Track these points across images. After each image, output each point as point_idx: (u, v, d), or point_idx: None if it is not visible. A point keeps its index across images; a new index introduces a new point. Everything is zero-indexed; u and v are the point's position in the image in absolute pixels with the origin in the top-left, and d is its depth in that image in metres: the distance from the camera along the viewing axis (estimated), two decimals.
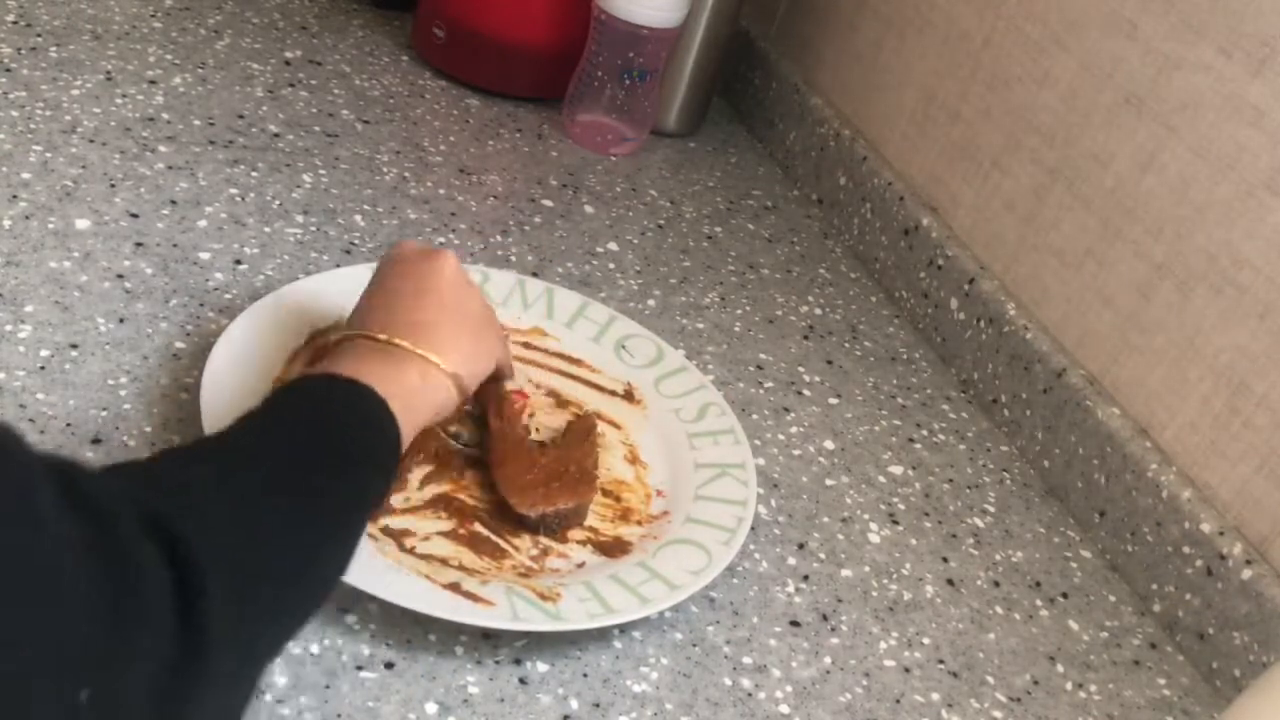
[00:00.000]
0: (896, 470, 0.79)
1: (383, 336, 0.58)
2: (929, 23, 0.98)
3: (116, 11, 0.99)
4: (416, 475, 0.65)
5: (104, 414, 0.62)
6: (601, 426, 0.72)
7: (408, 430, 0.55)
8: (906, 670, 0.65)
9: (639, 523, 0.67)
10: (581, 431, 0.70)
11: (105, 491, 0.37)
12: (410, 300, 0.61)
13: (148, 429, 0.62)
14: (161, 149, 0.84)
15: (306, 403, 0.53)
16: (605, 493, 0.68)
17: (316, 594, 0.48)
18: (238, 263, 0.76)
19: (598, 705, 0.57)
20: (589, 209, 0.96)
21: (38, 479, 0.34)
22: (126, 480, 0.43)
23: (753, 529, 0.70)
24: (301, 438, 0.50)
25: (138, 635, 0.36)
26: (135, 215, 0.77)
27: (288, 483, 0.47)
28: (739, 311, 0.90)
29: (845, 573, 0.70)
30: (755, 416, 0.80)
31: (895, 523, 0.75)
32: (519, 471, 0.65)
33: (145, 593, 0.36)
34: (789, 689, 0.61)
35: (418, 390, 0.57)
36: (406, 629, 0.57)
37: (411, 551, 0.60)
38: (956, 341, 0.91)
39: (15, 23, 0.93)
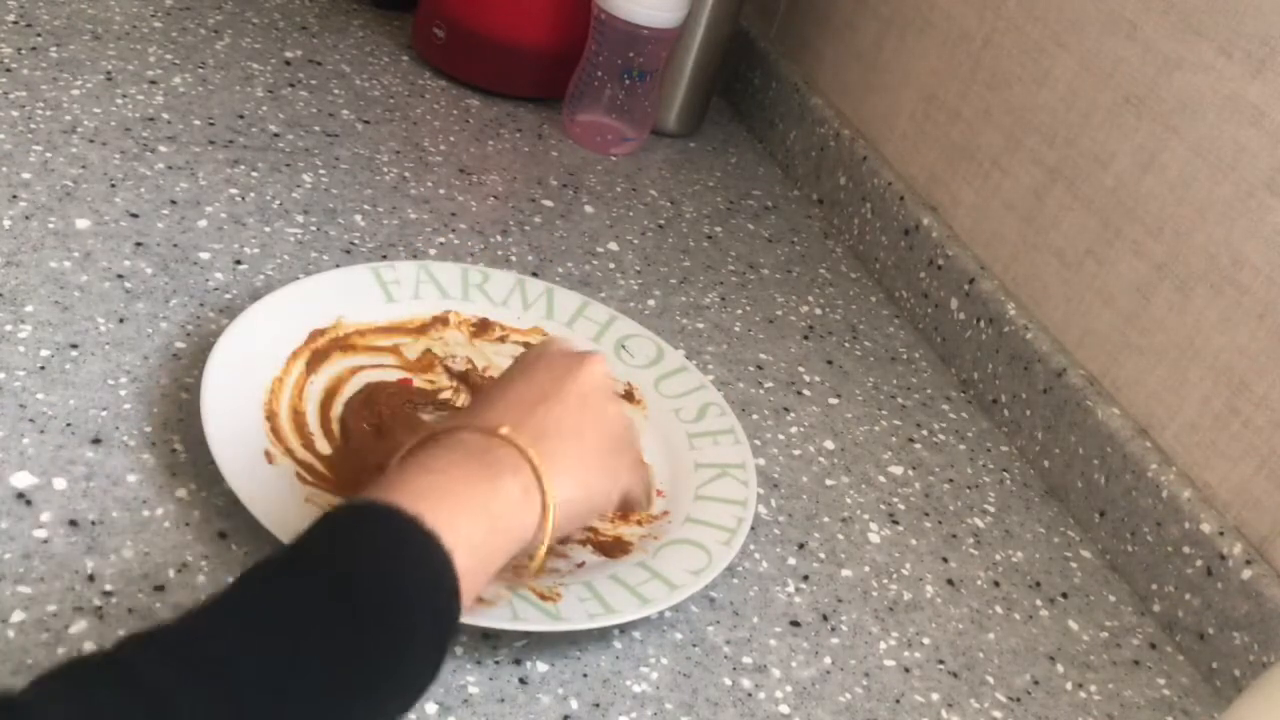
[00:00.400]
0: (896, 470, 0.79)
1: (504, 431, 0.50)
2: (929, 23, 0.98)
3: (116, 11, 0.99)
4: None
5: (104, 414, 0.62)
6: None
7: (475, 582, 0.47)
8: (906, 670, 0.65)
9: (639, 523, 0.67)
10: None
11: None
12: (539, 405, 0.53)
13: (148, 429, 0.62)
14: (161, 149, 0.84)
15: (343, 565, 0.43)
16: None
17: None
18: (238, 263, 0.76)
19: (598, 705, 0.57)
20: (589, 209, 0.96)
21: None
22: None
23: (753, 529, 0.70)
24: (317, 622, 0.41)
25: None
26: (135, 215, 0.77)
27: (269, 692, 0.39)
28: (739, 311, 0.90)
29: (845, 573, 0.70)
30: (755, 416, 0.80)
31: (895, 523, 0.75)
32: None
33: None
34: (789, 689, 0.61)
35: (514, 507, 0.49)
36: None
37: None
38: (956, 341, 0.91)
39: (15, 23, 0.93)
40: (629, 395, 0.75)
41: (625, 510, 0.62)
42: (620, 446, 0.57)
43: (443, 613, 0.45)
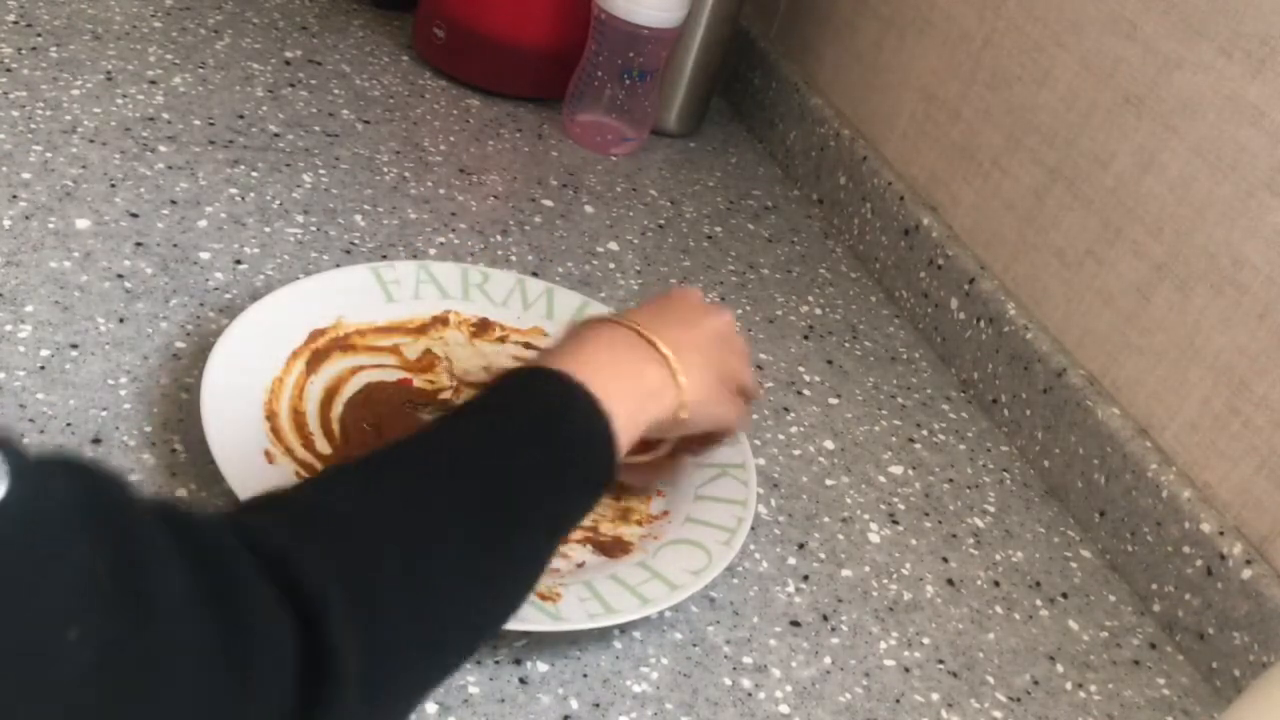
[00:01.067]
0: (896, 470, 0.79)
1: (646, 333, 0.57)
2: (929, 23, 0.98)
3: (116, 11, 0.99)
4: None
5: (104, 414, 0.62)
6: None
7: (625, 440, 0.53)
8: (906, 670, 0.65)
9: (639, 522, 0.67)
10: None
11: (224, 548, 0.35)
12: (681, 324, 0.60)
13: (148, 429, 0.62)
14: (161, 149, 0.84)
15: (517, 408, 0.50)
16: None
17: (473, 644, 0.44)
18: (238, 263, 0.76)
19: (598, 705, 0.57)
20: (589, 209, 0.96)
21: (161, 552, 0.32)
22: (264, 514, 0.40)
23: (753, 529, 0.70)
24: (496, 452, 0.47)
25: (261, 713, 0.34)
26: (135, 215, 0.77)
27: (463, 505, 0.43)
28: (739, 311, 0.90)
29: (845, 573, 0.70)
30: (755, 416, 0.80)
31: (895, 523, 0.75)
32: None
33: (265, 668, 0.34)
34: (789, 689, 0.61)
35: (654, 394, 0.56)
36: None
37: None
38: (956, 341, 0.91)
39: (15, 23, 0.93)
40: None
41: (720, 436, 0.66)
42: (737, 387, 0.63)
43: (602, 457, 0.51)
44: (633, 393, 0.54)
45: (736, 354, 0.64)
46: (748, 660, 0.62)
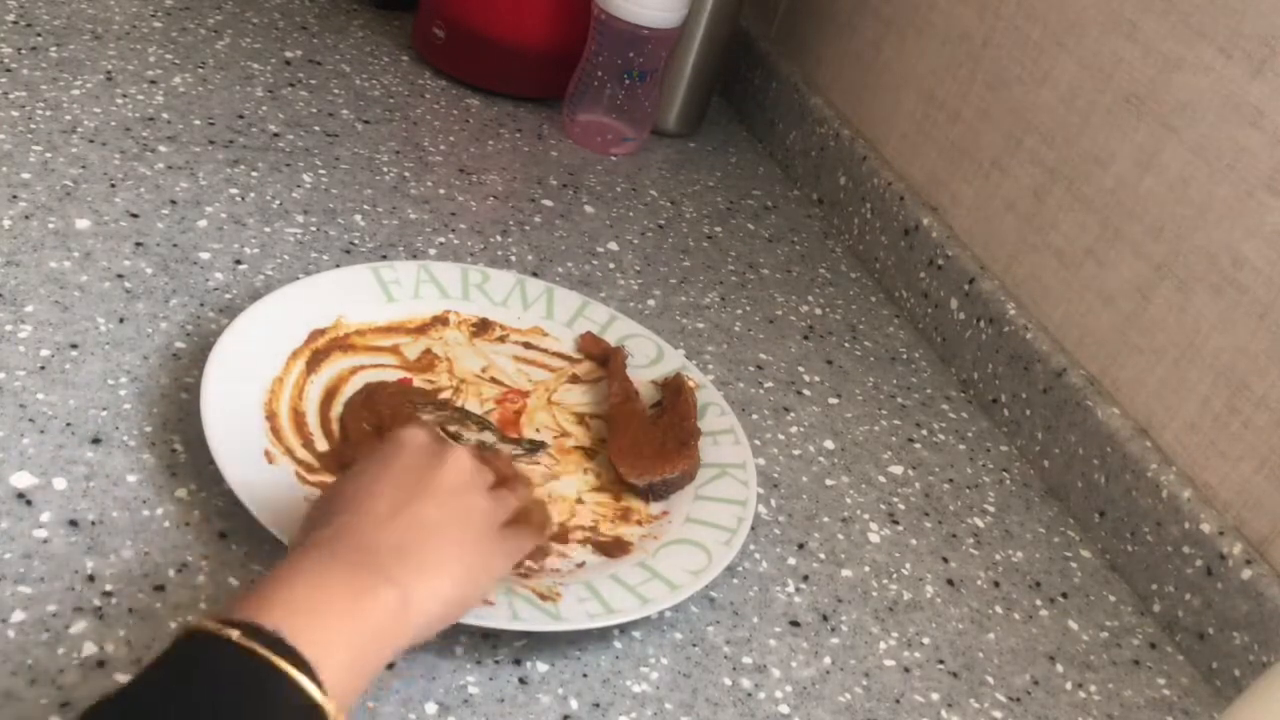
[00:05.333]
0: (896, 470, 0.79)
1: (362, 556, 0.47)
2: (929, 23, 0.98)
3: (116, 11, 0.99)
4: None
5: (104, 414, 0.62)
6: (604, 425, 0.72)
7: (350, 697, 0.44)
8: (906, 670, 0.65)
9: (639, 523, 0.67)
10: (672, 392, 0.74)
11: None
12: (404, 505, 0.51)
13: (148, 429, 0.62)
14: (161, 149, 0.84)
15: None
16: (605, 491, 0.68)
17: None
18: (238, 263, 0.76)
19: (598, 705, 0.57)
20: (589, 209, 0.96)
21: None
22: None
23: (753, 529, 0.70)
24: None
25: None
26: (135, 215, 0.77)
27: None
28: (739, 311, 0.90)
29: (845, 573, 0.70)
30: (755, 416, 0.80)
31: (895, 523, 0.75)
32: (629, 441, 0.69)
33: None
34: (789, 689, 0.61)
35: (393, 627, 0.46)
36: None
37: None
38: (956, 341, 0.91)
39: (15, 23, 0.93)
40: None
41: (535, 554, 0.61)
42: (490, 537, 0.54)
43: None
44: (355, 645, 0.44)
45: (481, 492, 0.55)
46: (748, 660, 0.62)
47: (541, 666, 0.58)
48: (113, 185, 0.79)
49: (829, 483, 0.76)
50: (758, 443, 0.77)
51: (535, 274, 0.85)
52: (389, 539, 0.49)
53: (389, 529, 0.50)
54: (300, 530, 0.52)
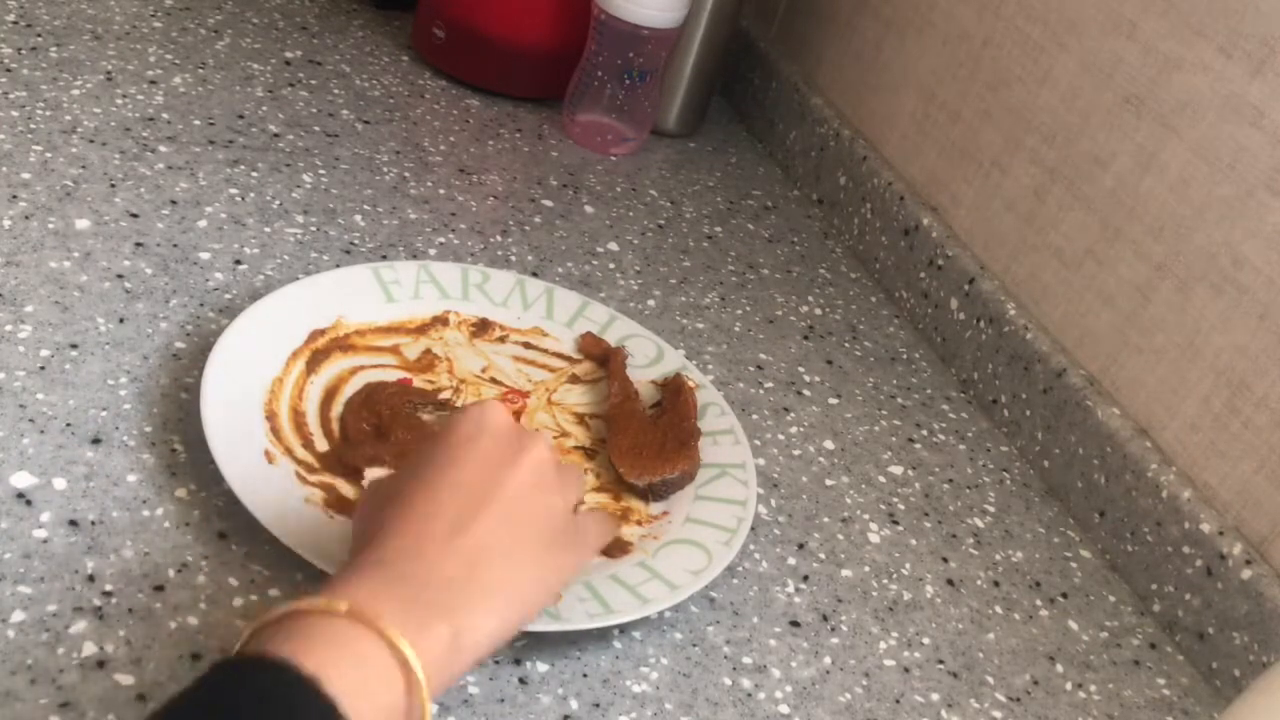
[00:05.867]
0: (896, 470, 0.79)
1: (384, 627, 0.42)
2: (929, 23, 0.98)
3: (116, 11, 0.99)
4: None
5: (104, 414, 0.62)
6: (604, 425, 0.72)
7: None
8: (906, 670, 0.65)
9: (639, 523, 0.67)
10: (672, 392, 0.74)
11: None
12: (460, 530, 0.47)
13: (148, 429, 0.62)
14: (161, 149, 0.84)
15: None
16: (605, 492, 0.68)
17: None
18: (238, 263, 0.76)
19: (598, 705, 0.57)
20: (589, 209, 0.96)
21: None
22: None
23: (753, 529, 0.70)
24: None
25: None
26: (135, 215, 0.77)
27: None
28: (739, 311, 0.90)
29: (845, 573, 0.70)
30: (755, 416, 0.80)
31: (895, 523, 0.75)
32: (629, 441, 0.69)
33: None
34: (789, 689, 0.61)
35: (443, 664, 0.43)
36: None
37: None
38: (956, 341, 0.91)
39: (15, 23, 0.93)
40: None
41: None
42: (561, 541, 0.51)
43: None
44: (407, 689, 0.41)
45: (553, 485, 0.51)
46: (747, 660, 0.62)
47: (541, 666, 0.58)
48: (113, 185, 0.79)
49: (829, 483, 0.76)
50: (758, 443, 0.77)
51: (535, 274, 0.85)
52: (446, 569, 0.45)
53: (447, 556, 0.46)
54: (355, 538, 0.48)
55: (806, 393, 0.84)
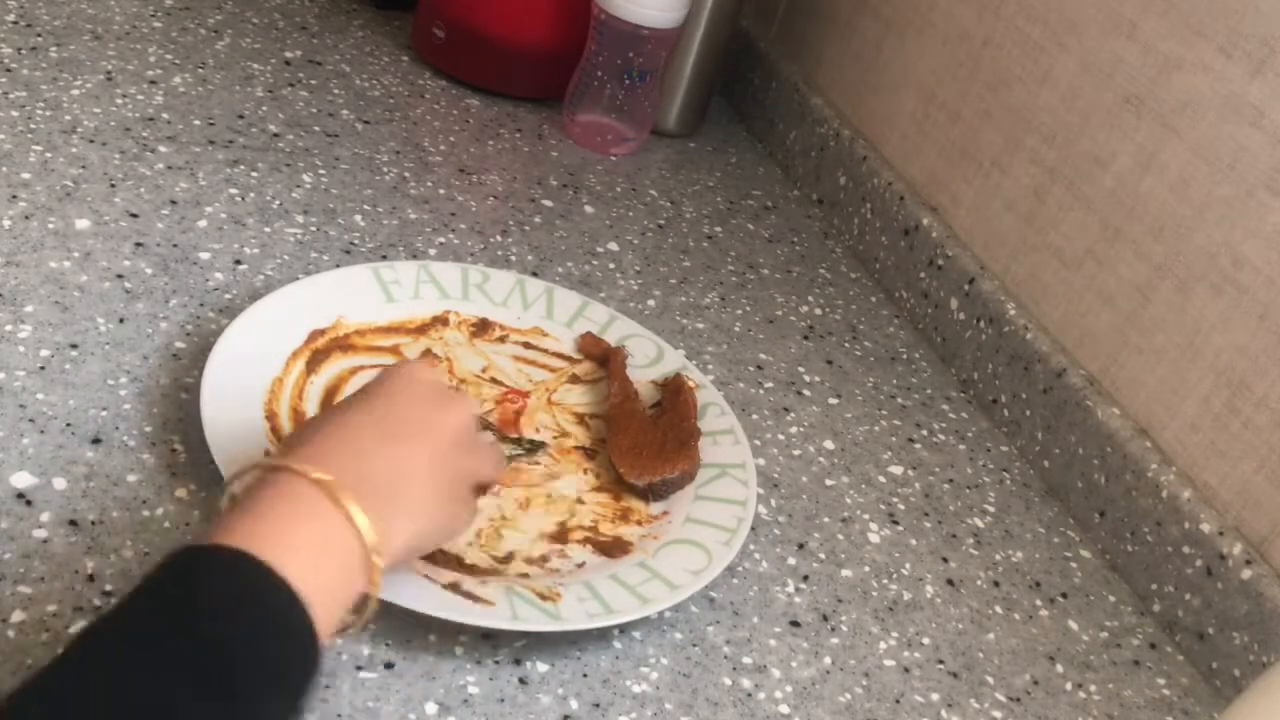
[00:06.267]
0: (896, 470, 0.79)
1: (337, 491, 0.45)
2: (929, 23, 0.98)
3: (116, 11, 0.99)
4: None
5: (104, 414, 0.62)
6: (603, 425, 0.72)
7: (330, 626, 0.44)
8: (906, 670, 0.65)
9: (639, 523, 0.67)
10: (672, 392, 0.74)
11: None
12: (400, 440, 0.51)
13: (148, 429, 0.62)
14: (161, 149, 0.84)
15: (187, 608, 0.39)
16: (605, 491, 0.68)
17: None
18: (238, 263, 0.76)
19: (598, 705, 0.57)
20: (589, 209, 0.96)
21: None
22: None
23: (753, 529, 0.70)
24: (167, 660, 0.37)
25: None
26: (135, 215, 0.77)
27: None
28: (739, 311, 0.90)
29: (845, 573, 0.70)
30: (755, 416, 0.80)
31: (895, 523, 0.75)
32: (629, 441, 0.69)
33: None
34: (789, 689, 0.61)
35: (360, 564, 0.46)
36: (406, 629, 0.57)
37: None
38: (956, 341, 0.91)
39: (15, 23, 0.93)
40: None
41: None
42: (461, 501, 0.55)
43: (302, 668, 0.41)
44: (333, 567, 0.44)
45: (472, 449, 0.55)
46: (747, 660, 0.62)
47: (541, 666, 0.58)
48: (113, 185, 0.79)
49: (829, 483, 0.76)
50: (758, 443, 0.77)
51: (535, 274, 0.85)
52: (376, 471, 0.48)
53: (376, 458, 0.49)
54: (280, 448, 0.51)
55: (806, 393, 0.84)
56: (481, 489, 0.58)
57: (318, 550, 0.44)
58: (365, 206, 0.86)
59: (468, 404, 0.55)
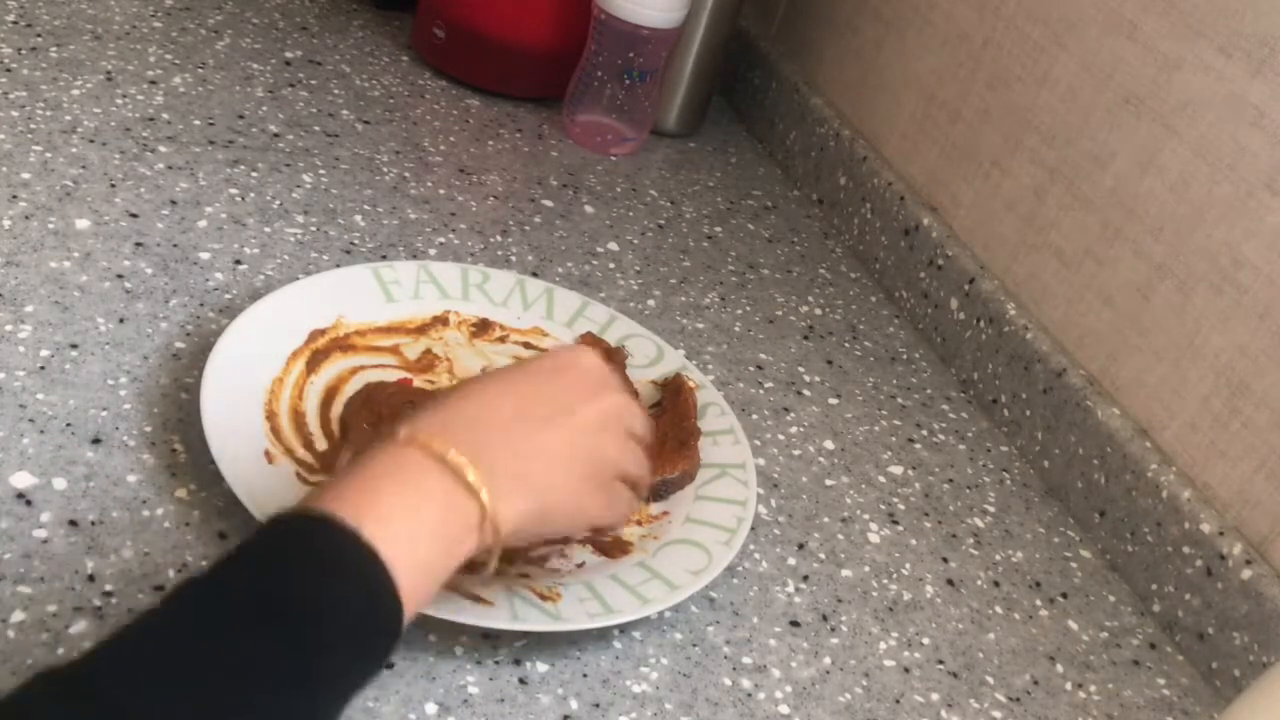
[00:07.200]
0: (896, 470, 0.79)
1: (451, 456, 0.46)
2: (929, 23, 0.98)
3: (116, 11, 0.99)
4: None
5: (104, 414, 0.62)
6: None
7: (423, 595, 0.45)
8: (906, 670, 0.65)
9: (639, 523, 0.67)
10: (672, 392, 0.73)
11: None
12: (541, 422, 0.51)
13: (148, 429, 0.62)
14: (161, 149, 0.84)
15: (286, 573, 0.41)
16: None
17: None
18: (238, 263, 0.76)
19: (598, 705, 0.57)
20: (589, 209, 0.96)
21: None
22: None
23: (753, 529, 0.70)
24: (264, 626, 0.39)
25: None
26: (135, 215, 0.77)
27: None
28: (739, 311, 0.90)
29: (845, 573, 0.70)
30: (755, 416, 0.80)
31: (895, 523, 0.75)
32: None
33: None
34: (789, 689, 0.61)
35: (464, 535, 0.47)
36: (406, 629, 0.57)
37: None
38: (956, 341, 0.91)
39: (15, 23, 0.93)
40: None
41: (603, 530, 0.62)
42: (618, 476, 0.55)
43: (382, 630, 0.43)
44: (436, 537, 0.45)
45: (617, 440, 0.54)
46: (747, 660, 0.62)
47: (541, 666, 0.58)
48: (113, 185, 0.79)
49: (829, 483, 0.76)
50: (758, 443, 0.77)
51: (535, 274, 0.85)
52: (486, 442, 0.48)
53: (501, 434, 0.49)
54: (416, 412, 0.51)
55: (806, 393, 0.84)
56: (631, 484, 0.57)
57: (413, 519, 0.45)
58: (365, 206, 0.86)
59: (621, 396, 0.55)
